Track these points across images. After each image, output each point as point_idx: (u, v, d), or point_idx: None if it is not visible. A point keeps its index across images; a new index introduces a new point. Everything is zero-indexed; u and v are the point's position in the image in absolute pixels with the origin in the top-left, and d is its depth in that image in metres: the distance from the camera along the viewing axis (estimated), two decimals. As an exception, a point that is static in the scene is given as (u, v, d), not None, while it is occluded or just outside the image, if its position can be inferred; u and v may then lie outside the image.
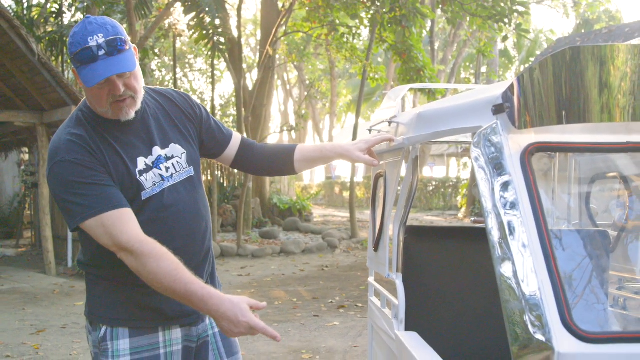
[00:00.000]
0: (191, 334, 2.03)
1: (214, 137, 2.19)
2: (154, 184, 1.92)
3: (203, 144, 2.17)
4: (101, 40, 1.76)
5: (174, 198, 1.95)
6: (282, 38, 16.16)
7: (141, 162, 1.91)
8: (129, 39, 1.86)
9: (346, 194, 26.84)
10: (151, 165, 1.93)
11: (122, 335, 1.92)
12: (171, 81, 17.12)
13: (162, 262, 1.76)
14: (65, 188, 1.82)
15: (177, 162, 1.99)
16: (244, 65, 17.65)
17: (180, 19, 14.09)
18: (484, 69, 23.48)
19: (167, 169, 1.96)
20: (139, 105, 1.91)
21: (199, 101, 2.20)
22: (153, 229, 1.88)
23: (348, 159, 2.26)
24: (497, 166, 1.55)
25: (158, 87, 2.18)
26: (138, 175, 1.89)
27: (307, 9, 13.48)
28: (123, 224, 1.79)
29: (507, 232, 1.45)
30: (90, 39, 1.76)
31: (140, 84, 1.90)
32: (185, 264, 1.83)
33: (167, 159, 1.97)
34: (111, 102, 1.84)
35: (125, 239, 1.77)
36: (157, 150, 1.96)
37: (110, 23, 1.81)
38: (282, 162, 2.26)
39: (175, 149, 2.01)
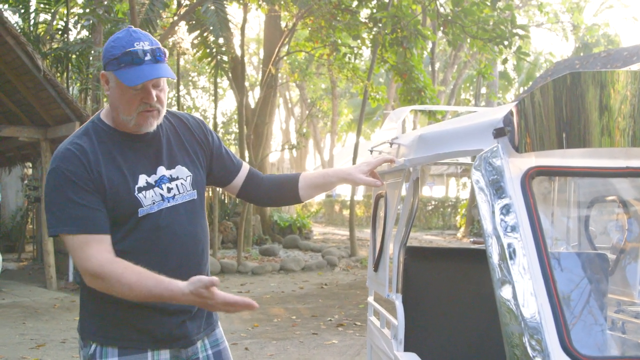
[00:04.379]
0: (180, 355, 2.03)
1: (224, 166, 2.21)
2: (153, 202, 1.93)
3: (212, 171, 2.18)
4: (147, 47, 1.85)
5: (172, 219, 1.96)
6: (285, 57, 16.26)
7: (142, 179, 1.93)
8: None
9: (346, 212, 26.78)
10: (153, 183, 1.95)
11: (111, 354, 1.94)
12: (174, 98, 17.17)
13: (124, 278, 1.79)
14: (52, 196, 1.86)
15: (182, 184, 2.01)
16: (247, 84, 17.72)
17: (184, 37, 14.16)
18: (483, 90, 23.59)
19: (170, 189, 1.97)
20: (161, 120, 1.96)
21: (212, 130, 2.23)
22: (148, 247, 1.91)
23: (351, 182, 2.27)
24: (497, 189, 1.56)
25: (175, 110, 2.21)
26: (136, 192, 1.91)
27: (309, 29, 13.56)
28: (90, 249, 1.82)
29: (507, 255, 1.46)
30: (137, 44, 1.84)
31: (166, 100, 1.96)
32: None
33: (171, 179, 1.99)
34: (139, 111, 1.88)
35: (89, 265, 1.81)
36: (161, 170, 1.98)
37: (151, 36, 1.91)
38: (287, 191, 2.27)
39: (182, 171, 2.02)
